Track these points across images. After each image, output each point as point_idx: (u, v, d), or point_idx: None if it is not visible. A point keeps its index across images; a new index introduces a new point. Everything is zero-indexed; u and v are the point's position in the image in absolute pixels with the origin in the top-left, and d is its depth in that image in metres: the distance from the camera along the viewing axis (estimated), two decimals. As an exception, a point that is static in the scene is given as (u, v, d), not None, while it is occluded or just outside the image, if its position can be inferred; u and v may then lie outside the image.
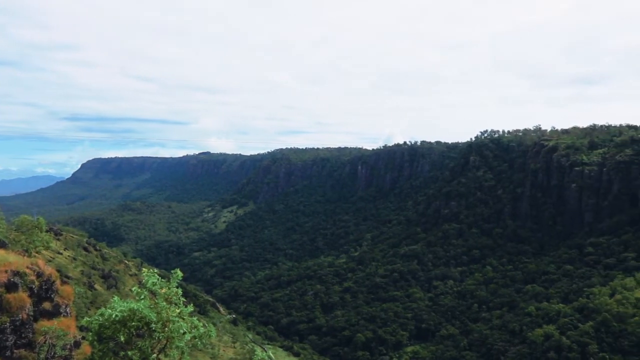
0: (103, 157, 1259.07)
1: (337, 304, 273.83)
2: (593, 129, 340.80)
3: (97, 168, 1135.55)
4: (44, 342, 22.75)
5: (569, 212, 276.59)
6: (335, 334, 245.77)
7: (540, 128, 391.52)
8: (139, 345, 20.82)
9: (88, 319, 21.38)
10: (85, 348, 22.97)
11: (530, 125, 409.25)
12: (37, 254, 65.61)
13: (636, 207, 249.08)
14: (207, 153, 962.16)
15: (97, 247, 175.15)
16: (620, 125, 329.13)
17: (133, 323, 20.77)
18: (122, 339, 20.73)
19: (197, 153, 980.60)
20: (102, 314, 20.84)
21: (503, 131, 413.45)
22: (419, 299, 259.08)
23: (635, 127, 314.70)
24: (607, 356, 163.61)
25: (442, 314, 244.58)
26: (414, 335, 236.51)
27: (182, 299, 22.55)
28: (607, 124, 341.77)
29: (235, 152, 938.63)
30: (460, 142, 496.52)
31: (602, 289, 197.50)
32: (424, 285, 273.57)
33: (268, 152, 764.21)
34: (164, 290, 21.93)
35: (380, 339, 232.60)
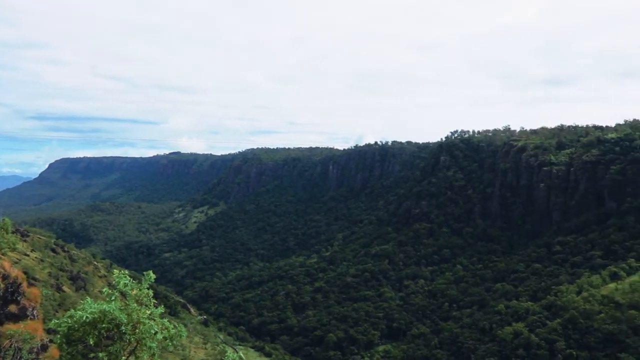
0: (71, 156, 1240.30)
1: (308, 304, 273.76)
2: (561, 129, 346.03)
3: (65, 168, 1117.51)
4: (10, 346, 22.20)
5: (538, 212, 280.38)
6: (307, 334, 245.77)
7: (509, 128, 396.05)
8: (109, 348, 20.40)
9: (56, 321, 20.88)
10: (53, 351, 22.47)
11: (501, 125, 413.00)
12: (2, 256, 64.25)
13: (602, 207, 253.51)
14: (178, 153, 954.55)
15: (66, 249, 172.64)
16: (587, 126, 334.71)
17: (103, 325, 20.34)
18: (92, 341, 20.28)
19: (167, 153, 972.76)
20: (71, 316, 20.36)
21: (473, 131, 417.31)
22: (390, 299, 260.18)
23: (601, 128, 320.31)
24: (574, 352, 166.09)
25: (413, 313, 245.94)
26: (385, 334, 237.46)
27: (153, 300, 22.18)
28: (574, 125, 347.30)
29: (206, 152, 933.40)
30: (431, 142, 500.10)
31: (570, 287, 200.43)
32: (395, 284, 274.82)
33: (239, 152, 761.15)
34: (135, 292, 21.54)
35: (351, 339, 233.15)
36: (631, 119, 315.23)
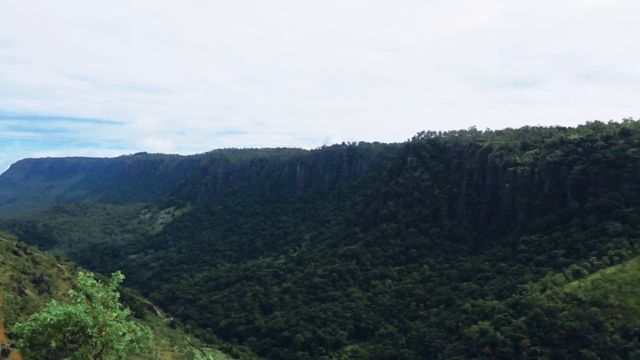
0: (34, 157, 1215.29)
1: (276, 304, 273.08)
2: (525, 130, 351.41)
3: (28, 169, 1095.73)
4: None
5: (503, 211, 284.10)
6: (275, 335, 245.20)
7: (475, 129, 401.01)
8: (75, 353, 20.04)
9: (20, 324, 20.44)
10: (14, 356, 22.02)
11: (467, 126, 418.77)
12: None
13: (565, 206, 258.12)
14: (144, 153, 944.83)
15: (28, 251, 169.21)
16: (551, 127, 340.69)
17: (68, 328, 19.98)
18: (55, 344, 19.89)
19: (133, 153, 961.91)
20: (35, 319, 19.95)
21: (440, 132, 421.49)
22: (358, 299, 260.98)
23: (564, 129, 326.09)
24: (539, 349, 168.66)
25: (380, 312, 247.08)
26: (353, 334, 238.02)
27: (119, 303, 21.88)
28: (538, 126, 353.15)
29: (173, 153, 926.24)
30: (398, 142, 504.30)
31: (534, 285, 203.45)
32: (362, 284, 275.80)
33: (206, 152, 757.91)
34: (101, 294, 21.21)
35: (319, 339, 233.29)
36: (593, 120, 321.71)
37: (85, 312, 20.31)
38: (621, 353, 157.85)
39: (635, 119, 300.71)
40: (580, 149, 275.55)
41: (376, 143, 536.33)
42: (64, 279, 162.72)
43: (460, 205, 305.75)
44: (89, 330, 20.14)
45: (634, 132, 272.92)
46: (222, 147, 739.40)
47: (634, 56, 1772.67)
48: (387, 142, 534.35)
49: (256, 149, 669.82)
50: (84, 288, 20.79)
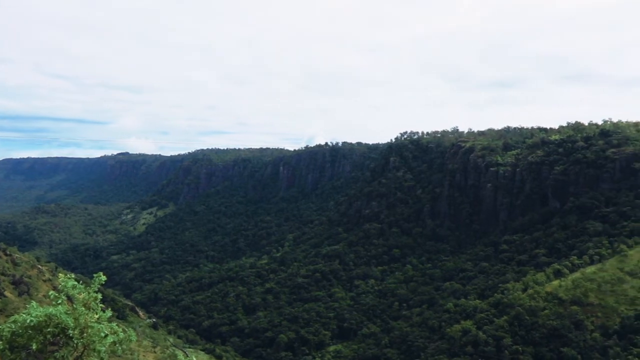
0: (14, 157, 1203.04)
1: (259, 305, 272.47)
2: (507, 130, 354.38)
3: (8, 169, 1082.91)
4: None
5: (485, 211, 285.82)
6: (258, 336, 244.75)
7: (457, 129, 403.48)
8: (55, 354, 19.85)
9: (-1, 326, 20.19)
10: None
11: (449, 126, 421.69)
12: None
13: (546, 206, 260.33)
14: (126, 154, 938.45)
15: (8, 252, 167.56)
16: (532, 128, 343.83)
17: (49, 329, 19.77)
18: (35, 347, 19.68)
19: (115, 153, 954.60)
20: (15, 321, 19.71)
21: (422, 132, 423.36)
22: (341, 299, 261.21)
23: (545, 130, 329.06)
24: (520, 348, 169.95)
25: (363, 312, 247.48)
26: (336, 334, 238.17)
27: (101, 304, 21.66)
28: (520, 127, 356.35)
29: (155, 153, 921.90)
30: (381, 143, 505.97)
31: (516, 285, 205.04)
32: (345, 284, 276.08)
33: (189, 152, 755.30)
34: (82, 295, 21.01)
35: (302, 339, 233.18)
36: (573, 121, 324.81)
37: (66, 313, 20.12)
38: (601, 351, 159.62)
39: (615, 119, 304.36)
40: (561, 150, 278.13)
41: (359, 143, 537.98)
42: (45, 281, 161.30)
43: (442, 206, 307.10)
44: (70, 332, 19.95)
45: (614, 133, 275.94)
46: (205, 147, 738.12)
47: (612, 58, 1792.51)
48: (370, 143, 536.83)
49: (239, 149, 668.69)
50: (65, 290, 20.60)
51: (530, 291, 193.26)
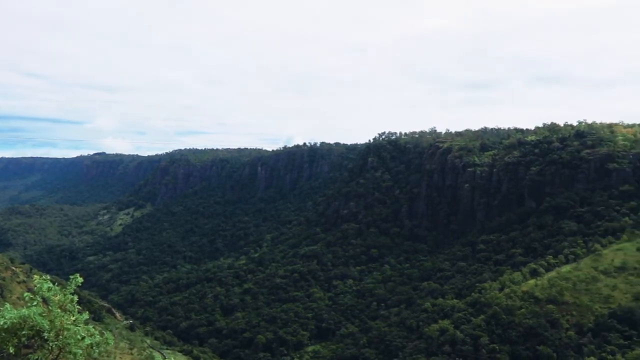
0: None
1: (237, 305, 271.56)
2: (484, 131, 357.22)
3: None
4: None
5: (462, 211, 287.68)
6: (236, 336, 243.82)
7: (435, 130, 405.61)
8: (29, 357, 19.52)
9: (-28, 329, 19.77)
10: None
11: (427, 127, 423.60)
12: None
13: (523, 206, 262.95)
14: (103, 154, 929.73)
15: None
16: (509, 129, 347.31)
17: (24, 332, 19.43)
18: (12, 350, 19.34)
19: (91, 153, 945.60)
20: (-12, 323, 19.33)
21: (400, 133, 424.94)
22: (319, 299, 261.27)
23: (522, 131, 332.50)
24: (497, 347, 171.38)
25: (341, 312, 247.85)
26: (314, 334, 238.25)
27: (77, 306, 21.34)
28: (497, 127, 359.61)
29: (132, 153, 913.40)
30: (359, 143, 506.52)
31: (493, 284, 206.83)
32: (323, 285, 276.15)
33: (166, 152, 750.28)
34: (58, 297, 20.67)
35: (281, 340, 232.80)
36: (549, 122, 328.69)
37: (41, 315, 19.80)
38: (575, 349, 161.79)
39: (589, 121, 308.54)
40: (537, 150, 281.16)
41: (337, 144, 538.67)
42: (19, 282, 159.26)
43: (420, 206, 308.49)
44: (45, 335, 19.64)
45: (588, 134, 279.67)
46: (183, 148, 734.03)
47: (587, 60, 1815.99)
48: (349, 143, 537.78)
49: (217, 150, 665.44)
50: (40, 292, 20.27)
51: (507, 290, 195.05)
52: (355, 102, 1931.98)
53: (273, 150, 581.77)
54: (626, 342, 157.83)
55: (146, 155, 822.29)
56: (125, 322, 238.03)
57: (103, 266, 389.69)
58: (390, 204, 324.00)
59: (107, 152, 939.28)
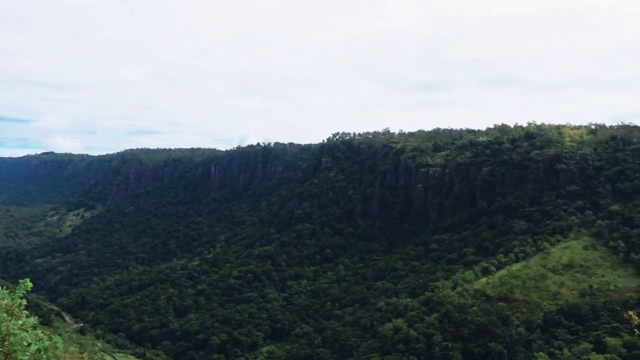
0: None
1: (191, 307, 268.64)
2: (437, 132, 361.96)
3: None
4: None
5: (416, 211, 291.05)
6: (190, 338, 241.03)
7: (389, 131, 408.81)
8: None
9: None
10: None
11: (381, 128, 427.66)
12: None
13: (474, 206, 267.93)
14: (51, 153, 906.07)
15: None
16: (461, 130, 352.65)
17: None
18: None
19: (39, 153, 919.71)
20: None
21: (354, 133, 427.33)
22: (274, 299, 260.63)
23: (473, 131, 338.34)
24: (450, 345, 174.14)
25: (296, 313, 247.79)
26: (269, 335, 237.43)
27: (25, 311, 20.67)
28: (449, 128, 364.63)
29: (82, 153, 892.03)
30: (313, 143, 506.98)
31: (445, 283, 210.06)
32: (278, 285, 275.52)
33: (118, 152, 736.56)
34: (5, 301, 20.01)
35: (235, 341, 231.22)
36: (500, 124, 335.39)
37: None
38: (525, 344, 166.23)
39: (539, 122, 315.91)
40: (488, 151, 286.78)
41: (291, 144, 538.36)
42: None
43: (374, 206, 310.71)
44: (-10, 340, 18.99)
45: (537, 135, 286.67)
46: (135, 147, 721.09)
47: (536, 63, 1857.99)
48: (302, 143, 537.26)
49: (170, 149, 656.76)
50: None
51: (459, 289, 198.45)
52: (310, 102, 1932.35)
53: (227, 150, 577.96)
54: (573, 337, 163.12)
55: (97, 155, 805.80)
56: (75, 325, 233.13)
57: (52, 268, 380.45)
58: (344, 204, 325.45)
59: (56, 152, 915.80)
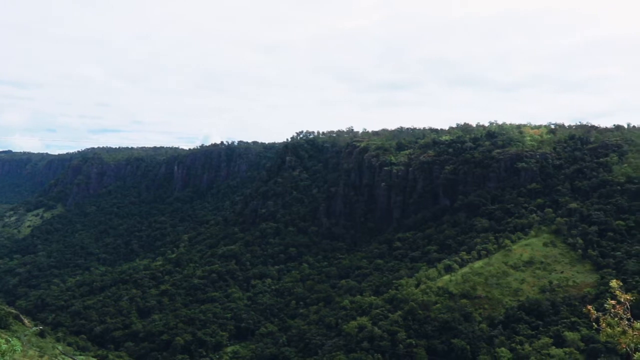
0: None
1: (154, 307, 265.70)
2: (400, 131, 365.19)
3: None
4: None
5: (379, 210, 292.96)
6: (153, 339, 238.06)
7: (352, 130, 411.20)
8: None
9: None
10: None
11: (345, 127, 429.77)
12: None
13: (437, 204, 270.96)
14: (9, 152, 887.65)
15: None
16: (424, 128, 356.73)
17: None
18: None
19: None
20: None
21: (318, 132, 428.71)
22: (238, 299, 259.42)
23: (436, 131, 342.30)
24: (414, 342, 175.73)
25: (261, 312, 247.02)
26: (233, 335, 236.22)
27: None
28: (412, 127, 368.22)
29: (41, 151, 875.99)
30: (277, 142, 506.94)
31: (409, 280, 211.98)
32: (242, 284, 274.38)
33: (78, 151, 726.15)
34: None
35: (199, 341, 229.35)
36: (462, 123, 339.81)
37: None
38: (487, 340, 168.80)
39: (500, 122, 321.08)
40: (450, 150, 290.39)
41: (255, 142, 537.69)
42: None
43: (338, 204, 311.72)
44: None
45: (499, 135, 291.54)
46: (96, 146, 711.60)
47: (498, 64, 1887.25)
48: (266, 142, 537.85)
49: (132, 148, 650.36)
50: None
51: (422, 286, 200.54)
52: (273, 100, 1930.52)
53: (190, 149, 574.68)
54: (533, 332, 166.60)
55: (57, 153, 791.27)
56: (34, 328, 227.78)
57: (10, 270, 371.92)
58: (308, 203, 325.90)
59: (14, 151, 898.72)
